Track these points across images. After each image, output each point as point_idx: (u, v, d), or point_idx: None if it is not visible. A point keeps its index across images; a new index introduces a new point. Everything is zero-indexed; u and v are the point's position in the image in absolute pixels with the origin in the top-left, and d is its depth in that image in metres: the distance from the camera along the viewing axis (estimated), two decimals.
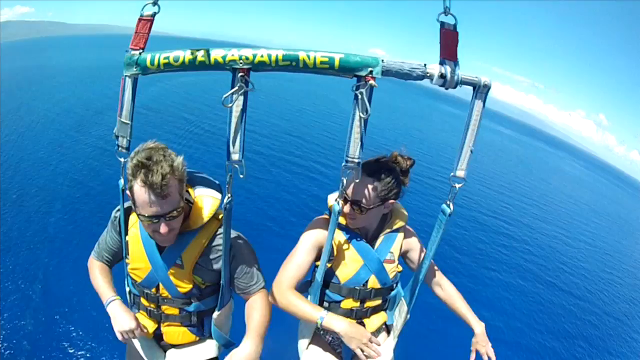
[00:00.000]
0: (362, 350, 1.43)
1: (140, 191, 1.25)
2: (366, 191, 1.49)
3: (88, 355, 3.43)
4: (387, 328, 1.86)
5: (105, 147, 8.29)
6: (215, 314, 1.61)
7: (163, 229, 1.32)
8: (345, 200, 1.52)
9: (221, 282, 1.52)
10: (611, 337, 6.07)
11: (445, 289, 1.78)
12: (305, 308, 1.50)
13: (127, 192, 1.33)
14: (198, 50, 1.21)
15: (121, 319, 1.45)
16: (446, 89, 1.23)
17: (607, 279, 8.60)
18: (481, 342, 1.66)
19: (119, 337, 1.44)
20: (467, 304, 1.75)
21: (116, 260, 1.66)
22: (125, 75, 1.28)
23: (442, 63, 1.22)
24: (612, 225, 16.07)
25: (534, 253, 8.50)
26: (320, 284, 1.59)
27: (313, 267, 1.64)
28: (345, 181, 1.36)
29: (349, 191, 1.50)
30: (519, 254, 8.21)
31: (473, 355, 1.67)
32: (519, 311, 5.90)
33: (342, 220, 1.60)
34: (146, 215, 1.29)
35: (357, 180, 1.41)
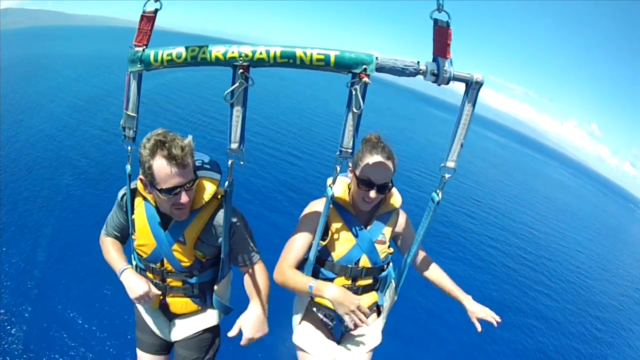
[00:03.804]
0: (350, 317, 1.47)
1: (161, 165, 1.36)
2: (389, 172, 1.59)
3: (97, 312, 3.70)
4: (377, 309, 1.95)
5: (104, 127, 8.81)
6: (216, 285, 1.74)
7: (184, 198, 1.42)
8: (369, 185, 1.57)
9: (221, 256, 1.64)
10: (572, 323, 6.34)
11: (432, 269, 1.85)
12: (298, 278, 1.60)
13: (140, 175, 1.43)
14: (199, 47, 1.25)
15: (134, 284, 1.57)
16: (438, 85, 1.27)
17: (570, 273, 8.85)
18: (477, 310, 1.69)
19: (136, 302, 1.53)
20: (453, 281, 1.82)
21: (124, 236, 1.77)
22: (130, 72, 1.32)
23: (434, 60, 1.25)
24: (589, 226, 16.39)
25: (499, 248, 8.67)
26: (313, 262, 1.68)
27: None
28: (338, 169, 1.42)
29: (374, 177, 1.56)
30: (481, 245, 8.39)
31: (478, 325, 1.68)
32: (479, 291, 6.08)
33: (344, 201, 1.70)
34: (169, 187, 1.38)
35: (379, 164, 1.54)
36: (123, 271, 1.62)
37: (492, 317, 1.67)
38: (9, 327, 3.35)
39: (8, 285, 3.81)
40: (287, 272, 1.62)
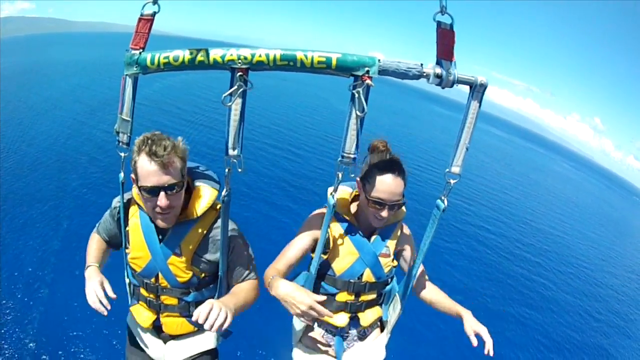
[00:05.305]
0: (303, 317, 1.32)
1: (143, 162, 1.32)
2: (401, 189, 1.52)
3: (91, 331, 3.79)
4: (381, 324, 1.85)
5: (107, 129, 9.13)
6: None
7: (162, 201, 1.34)
8: (379, 204, 1.50)
9: (219, 273, 1.55)
10: (572, 314, 6.40)
11: (430, 289, 1.74)
12: (268, 273, 1.49)
13: (132, 173, 1.39)
14: (197, 50, 1.23)
15: (90, 281, 1.44)
16: (443, 88, 1.24)
17: (573, 265, 8.91)
18: (476, 327, 1.55)
19: (89, 300, 1.39)
20: (451, 299, 1.70)
21: (113, 242, 1.69)
22: (126, 75, 1.30)
23: (438, 63, 1.22)
24: (593, 219, 16.51)
25: (501, 241, 8.76)
26: (314, 276, 1.60)
27: (309, 259, 1.64)
28: (340, 175, 1.35)
29: (386, 196, 1.48)
30: (482, 238, 8.46)
31: (474, 339, 1.54)
32: (473, 280, 6.14)
33: (347, 213, 1.62)
34: (148, 185, 1.33)
35: (391, 183, 1.47)
36: (88, 267, 1.53)
37: (487, 338, 1.51)
38: (27, 308, 3.64)
39: (27, 272, 4.17)
40: (269, 271, 1.52)
